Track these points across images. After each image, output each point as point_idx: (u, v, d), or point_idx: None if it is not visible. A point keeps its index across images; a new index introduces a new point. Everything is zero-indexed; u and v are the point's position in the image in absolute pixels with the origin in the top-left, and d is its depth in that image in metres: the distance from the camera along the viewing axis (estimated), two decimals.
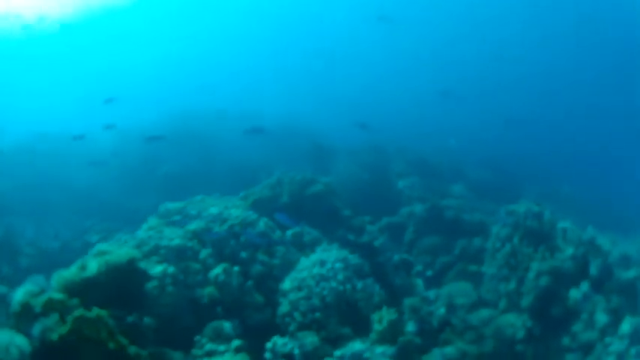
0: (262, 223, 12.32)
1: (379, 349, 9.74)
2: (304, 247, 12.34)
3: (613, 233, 12.90)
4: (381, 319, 10.43)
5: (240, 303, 11.02)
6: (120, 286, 9.81)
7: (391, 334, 10.24)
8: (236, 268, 11.35)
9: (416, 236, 15.29)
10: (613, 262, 11.87)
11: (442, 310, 11.77)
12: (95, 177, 20.81)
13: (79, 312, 7.71)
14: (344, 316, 10.75)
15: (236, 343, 9.29)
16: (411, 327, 10.99)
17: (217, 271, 11.25)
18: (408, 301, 11.48)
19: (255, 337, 10.56)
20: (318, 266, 11.28)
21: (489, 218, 15.51)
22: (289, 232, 12.64)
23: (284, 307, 10.72)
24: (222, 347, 8.98)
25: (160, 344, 10.04)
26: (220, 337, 9.38)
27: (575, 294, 11.40)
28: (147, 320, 10.08)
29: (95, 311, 7.80)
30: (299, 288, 10.77)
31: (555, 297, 11.41)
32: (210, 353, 9.07)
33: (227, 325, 9.60)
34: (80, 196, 19.97)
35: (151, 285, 10.80)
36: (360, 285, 11.07)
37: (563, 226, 12.76)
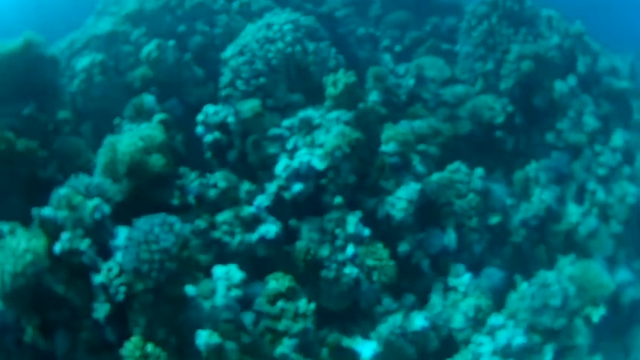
0: None
1: (333, 114, 8.10)
2: (252, 15, 10.17)
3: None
4: (336, 81, 8.60)
5: (177, 80, 9.09)
6: (18, 78, 8.10)
7: (348, 100, 8.51)
8: (171, 43, 9.37)
9: (383, 12, 12.95)
10: (602, 70, 10.32)
11: (411, 82, 9.85)
12: None
13: None
14: (294, 82, 8.99)
15: (159, 117, 7.59)
16: (374, 96, 9.19)
17: (149, 47, 9.28)
18: (372, 70, 9.59)
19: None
20: (264, 29, 9.14)
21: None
22: (236, 2, 10.41)
23: (225, 77, 8.90)
24: (142, 126, 7.37)
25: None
26: (141, 114, 7.73)
27: (561, 86, 9.83)
28: (63, 114, 8.50)
29: None
30: (241, 53, 8.74)
31: (538, 86, 9.80)
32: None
33: (148, 100, 7.83)
34: None
35: (77, 80, 9.16)
36: (312, 47, 9.10)
37: (548, 14, 10.73)
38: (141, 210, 5.84)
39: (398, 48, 11.43)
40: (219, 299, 5.67)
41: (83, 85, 9.04)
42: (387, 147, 7.61)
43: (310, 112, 8.18)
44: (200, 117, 7.75)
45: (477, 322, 7.08)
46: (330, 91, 8.38)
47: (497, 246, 8.74)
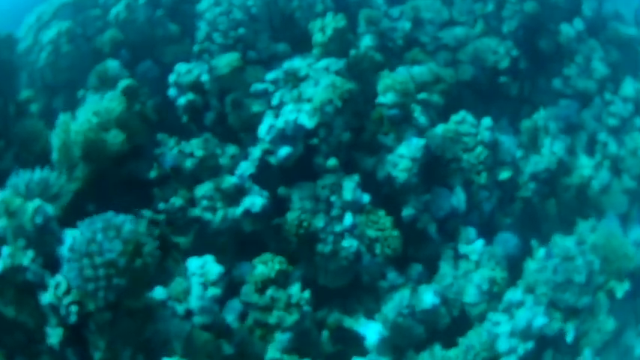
0: None
1: (322, 63, 6.95)
2: None
3: None
4: (325, 27, 7.39)
5: (151, 39, 7.82)
6: None
7: (339, 46, 7.33)
8: (142, 0, 8.11)
9: None
10: (607, 15, 9.28)
11: (407, 25, 8.59)
12: None
13: None
14: (279, 31, 7.75)
15: (124, 83, 6.32)
16: (367, 41, 7.95)
17: (118, 8, 7.89)
18: (363, 12, 8.34)
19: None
20: None
21: None
22: None
23: (201, 32, 7.54)
24: (107, 96, 6.22)
25: None
26: (106, 82, 6.55)
27: (567, 30, 8.74)
28: (26, 94, 7.29)
29: None
30: (217, 3, 7.41)
31: (543, 29, 8.72)
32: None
33: (112, 65, 6.64)
34: None
35: (45, 53, 7.86)
36: None
37: None
38: (107, 195, 4.82)
39: None
40: (195, 301, 4.68)
41: (51, 57, 7.77)
42: (385, 98, 6.48)
43: (297, 62, 7.01)
44: (172, 77, 6.55)
45: (492, 296, 6.16)
46: (318, 37, 7.17)
47: (506, 202, 7.80)
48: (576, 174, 8.05)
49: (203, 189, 5.79)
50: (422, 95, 7.39)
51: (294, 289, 5.18)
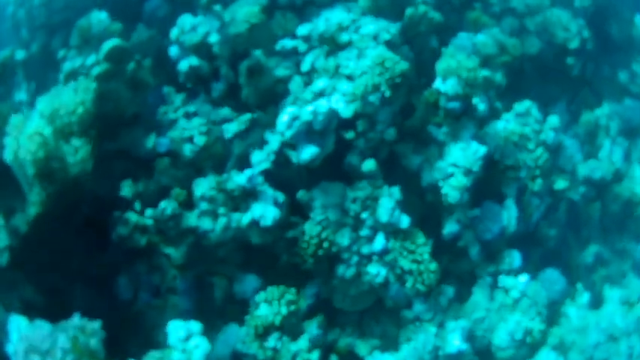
0: None
1: (370, 28, 5.04)
2: None
3: None
4: None
5: None
6: None
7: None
8: None
9: None
10: None
11: None
12: None
13: None
14: None
15: (110, 44, 4.53)
16: None
17: None
18: None
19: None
20: None
21: None
22: None
23: None
24: (90, 59, 4.45)
25: None
26: (89, 42, 4.71)
27: None
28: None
29: None
30: None
31: (617, 13, 7.25)
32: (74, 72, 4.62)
33: (98, 18, 4.67)
34: None
35: None
36: None
37: None
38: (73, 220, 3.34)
39: None
40: None
41: None
42: (445, 85, 4.82)
43: (338, 15, 5.21)
44: (173, 32, 4.70)
45: (523, 345, 4.96)
46: None
47: (553, 209, 6.43)
48: (626, 186, 6.74)
49: (202, 188, 4.30)
50: (484, 72, 5.70)
51: (302, 342, 3.90)
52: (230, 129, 4.42)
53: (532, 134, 5.50)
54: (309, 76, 4.89)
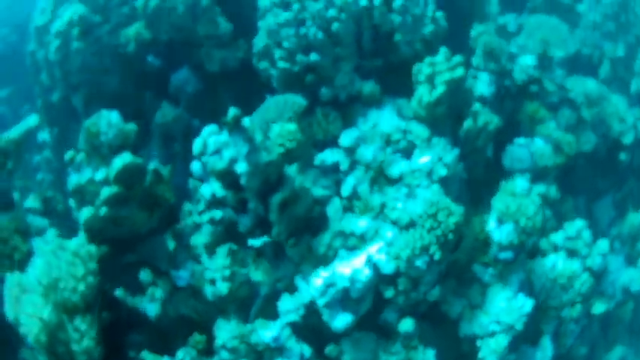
0: None
1: (424, 163, 4.27)
2: None
3: None
4: (434, 75, 4.73)
5: (191, 37, 5.11)
6: None
7: (448, 112, 4.60)
8: None
9: None
10: None
11: (530, 60, 5.86)
12: None
13: None
14: (367, 58, 5.05)
15: (119, 163, 3.76)
16: (483, 87, 5.27)
17: None
18: (483, 40, 5.48)
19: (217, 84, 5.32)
20: None
21: None
22: None
23: (260, 40, 4.81)
24: (99, 174, 3.79)
25: None
26: (98, 151, 3.84)
27: None
28: None
29: None
30: (284, 3, 4.64)
31: None
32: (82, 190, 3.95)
33: (107, 121, 3.74)
34: None
35: (53, 47, 5.40)
36: (399, 2, 4.99)
37: None
38: None
39: None
40: None
41: (59, 53, 5.28)
42: (501, 231, 4.22)
43: (386, 123, 4.50)
44: (196, 146, 3.97)
45: None
46: (424, 95, 4.55)
47: (587, 329, 5.94)
48: None
49: (224, 334, 3.81)
50: (540, 187, 5.09)
51: None
52: (257, 275, 3.88)
53: (580, 269, 4.94)
54: (349, 201, 4.29)
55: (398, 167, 4.20)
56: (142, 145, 4.96)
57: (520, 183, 4.51)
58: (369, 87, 4.81)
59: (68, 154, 3.93)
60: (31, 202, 4.90)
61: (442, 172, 4.17)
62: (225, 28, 5.17)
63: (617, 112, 6.27)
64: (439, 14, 5.16)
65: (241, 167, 3.83)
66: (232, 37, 5.22)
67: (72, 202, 3.89)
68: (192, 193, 4.34)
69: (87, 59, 5.43)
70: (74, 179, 3.82)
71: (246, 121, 3.91)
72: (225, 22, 5.19)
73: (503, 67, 5.51)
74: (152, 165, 4.03)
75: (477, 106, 5.05)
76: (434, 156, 4.23)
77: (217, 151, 3.86)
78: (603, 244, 5.25)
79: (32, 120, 4.76)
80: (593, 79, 6.37)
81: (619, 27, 6.81)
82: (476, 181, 4.82)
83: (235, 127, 3.90)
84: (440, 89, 4.59)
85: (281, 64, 4.69)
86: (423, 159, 4.20)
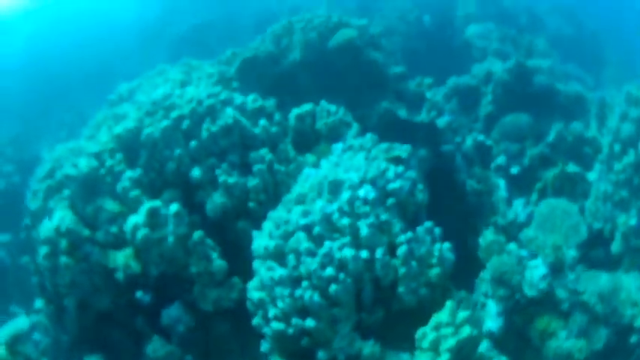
0: (232, 110, 5.25)
1: None
2: (318, 138, 5.51)
3: None
4: (439, 341, 4.33)
5: (183, 272, 4.87)
6: None
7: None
8: (174, 208, 4.82)
9: (496, 109, 7.92)
10: None
11: (542, 271, 5.42)
12: None
13: None
14: (367, 310, 4.63)
15: None
16: (491, 321, 4.91)
17: (136, 219, 4.85)
18: (493, 263, 5.13)
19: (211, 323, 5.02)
20: (325, 199, 4.73)
21: (589, 93, 8.81)
22: (293, 114, 5.63)
23: (254, 293, 4.38)
24: None
25: None
26: None
27: None
28: None
29: None
30: (277, 254, 4.35)
31: None
32: None
33: None
34: None
35: (42, 253, 5.12)
36: (404, 247, 4.62)
37: None
38: None
39: (515, 170, 7.08)
40: None
41: (48, 261, 5.05)
42: None
43: None
44: None
45: None
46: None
47: None
48: None
49: None
50: None
51: None
52: None
53: None
54: None
55: None
56: None
57: None
58: (368, 348, 4.40)
59: None
60: None
61: None
62: (219, 266, 4.92)
63: (629, 298, 5.74)
64: (446, 247, 4.79)
65: None
66: (227, 274, 4.96)
67: None
68: None
69: (76, 277, 5.13)
70: None
71: None
72: (218, 258, 4.95)
73: (514, 287, 5.18)
74: None
75: (483, 346, 4.63)
76: None
77: None
78: None
79: (21, 322, 4.54)
80: (607, 274, 5.87)
81: (632, 192, 6.18)
82: None
83: None
84: (444, 358, 4.16)
85: (275, 325, 4.36)
86: None
